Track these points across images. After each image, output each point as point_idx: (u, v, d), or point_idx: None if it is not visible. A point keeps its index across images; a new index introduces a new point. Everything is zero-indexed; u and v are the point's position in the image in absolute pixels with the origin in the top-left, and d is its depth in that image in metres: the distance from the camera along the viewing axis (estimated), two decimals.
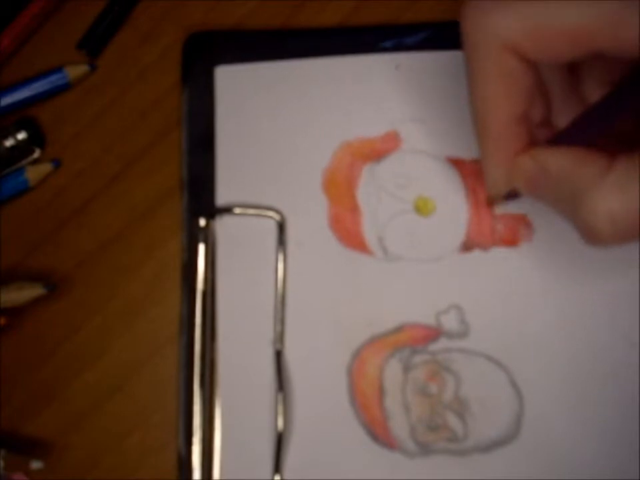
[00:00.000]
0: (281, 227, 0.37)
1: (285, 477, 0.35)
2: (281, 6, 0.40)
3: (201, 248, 0.37)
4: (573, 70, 0.33)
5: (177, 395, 0.37)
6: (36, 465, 0.36)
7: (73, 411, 0.37)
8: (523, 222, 0.37)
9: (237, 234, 0.38)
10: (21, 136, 0.39)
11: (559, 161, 0.31)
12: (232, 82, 0.39)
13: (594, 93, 0.33)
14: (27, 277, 0.38)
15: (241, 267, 0.37)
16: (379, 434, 0.35)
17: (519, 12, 0.29)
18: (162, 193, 0.39)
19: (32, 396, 0.37)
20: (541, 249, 0.37)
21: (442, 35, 0.39)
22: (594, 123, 0.30)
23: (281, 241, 0.37)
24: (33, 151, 0.39)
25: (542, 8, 0.29)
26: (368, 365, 0.36)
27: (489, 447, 0.35)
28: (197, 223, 0.37)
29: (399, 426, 0.35)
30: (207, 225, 0.37)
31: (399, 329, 0.36)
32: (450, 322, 0.36)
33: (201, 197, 0.38)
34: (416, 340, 0.36)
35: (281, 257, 0.37)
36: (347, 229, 0.37)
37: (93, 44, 0.40)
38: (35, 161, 0.39)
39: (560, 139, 0.31)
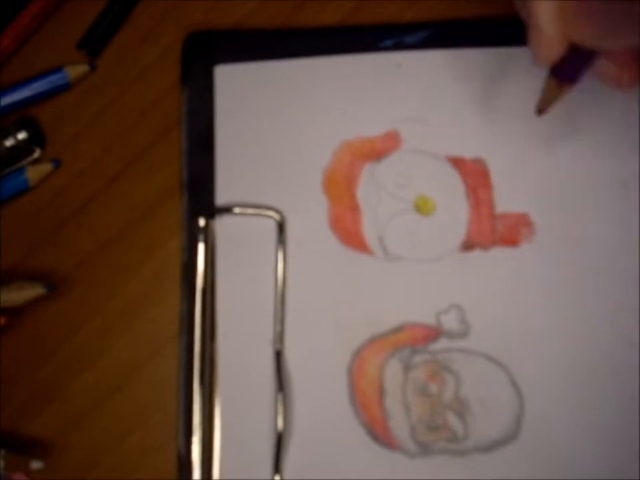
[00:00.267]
0: (281, 227, 0.37)
1: (284, 477, 0.35)
2: (281, 6, 0.40)
3: (201, 248, 0.37)
4: None
5: (176, 394, 0.37)
6: (36, 464, 0.36)
7: (72, 410, 0.37)
8: (523, 222, 0.37)
9: (236, 234, 0.38)
10: (21, 136, 0.39)
11: None
12: (232, 81, 0.39)
13: None
14: (27, 277, 0.38)
15: (241, 266, 0.37)
16: (379, 434, 0.35)
17: None
18: (162, 193, 0.39)
19: (32, 396, 0.37)
20: (542, 248, 0.37)
21: (442, 34, 0.39)
22: None
23: (281, 240, 0.37)
24: (33, 151, 0.39)
25: None
26: (368, 365, 0.36)
27: (489, 447, 0.35)
28: (197, 222, 0.37)
29: (399, 426, 0.35)
30: (207, 224, 0.37)
31: (399, 329, 0.36)
32: (450, 322, 0.36)
33: (200, 197, 0.38)
34: (416, 340, 0.36)
35: (280, 257, 0.37)
36: (347, 229, 0.37)
37: (93, 44, 0.40)
38: (35, 161, 0.39)
39: None
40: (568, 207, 0.37)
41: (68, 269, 0.39)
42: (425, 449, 0.35)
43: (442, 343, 0.36)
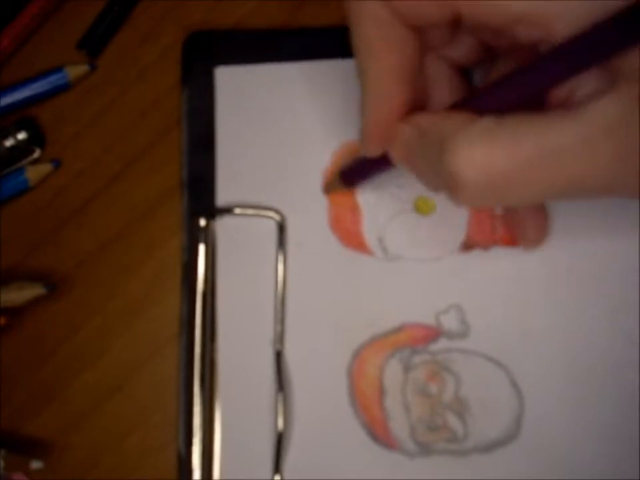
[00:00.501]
0: (281, 227, 0.37)
1: (284, 477, 0.35)
2: (281, 6, 0.40)
3: (201, 248, 0.37)
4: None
5: (177, 395, 0.37)
6: (36, 464, 0.36)
7: (72, 410, 0.37)
8: None
9: (237, 234, 0.38)
10: (21, 136, 0.39)
11: (428, 116, 0.30)
12: (232, 82, 0.39)
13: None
14: (27, 277, 0.38)
15: (241, 267, 0.37)
16: (379, 434, 0.35)
17: None
18: (162, 193, 0.39)
19: (32, 396, 0.37)
20: (542, 248, 0.37)
21: None
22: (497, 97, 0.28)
23: (281, 241, 0.37)
24: (33, 151, 0.39)
25: None
26: (368, 365, 0.36)
27: (489, 447, 0.35)
28: (197, 223, 0.37)
29: (399, 426, 0.35)
30: (207, 225, 0.37)
31: (399, 329, 0.36)
32: (450, 322, 0.36)
33: (200, 197, 0.38)
34: (416, 340, 0.36)
35: (280, 257, 0.37)
36: (347, 229, 0.37)
37: (93, 44, 0.40)
38: (35, 161, 0.39)
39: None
40: (568, 207, 0.37)
41: (68, 269, 0.39)
42: (425, 449, 0.35)
43: (442, 343, 0.36)
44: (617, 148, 0.26)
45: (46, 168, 0.39)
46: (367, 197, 0.38)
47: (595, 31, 0.25)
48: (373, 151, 0.33)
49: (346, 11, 0.30)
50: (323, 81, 0.39)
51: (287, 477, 0.35)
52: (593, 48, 0.25)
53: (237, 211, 0.37)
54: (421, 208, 0.38)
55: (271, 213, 0.37)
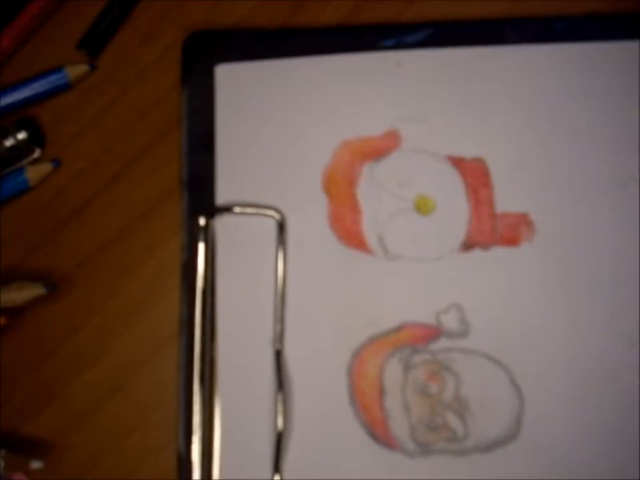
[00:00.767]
0: (281, 226, 0.37)
1: (284, 477, 0.35)
2: (281, 6, 0.40)
3: (201, 247, 0.37)
4: None
5: (177, 395, 0.37)
6: (36, 464, 0.36)
7: (72, 410, 0.37)
8: (523, 221, 0.37)
9: (236, 233, 0.37)
10: (21, 136, 0.39)
11: None
12: (232, 80, 0.39)
13: None
14: (27, 277, 0.38)
15: (241, 266, 0.37)
16: (379, 434, 0.35)
17: None
18: (162, 193, 0.39)
19: (32, 396, 0.37)
20: (542, 248, 0.37)
21: (442, 33, 0.39)
22: None
23: (281, 240, 0.37)
24: (33, 151, 0.39)
25: None
26: (368, 365, 0.36)
27: (489, 447, 0.35)
28: (197, 222, 0.37)
29: (399, 426, 0.35)
30: (207, 224, 0.37)
31: (399, 329, 0.36)
32: (450, 321, 0.36)
33: (200, 197, 0.38)
34: (416, 339, 0.36)
35: (280, 256, 0.37)
36: (347, 228, 0.37)
37: (93, 44, 0.40)
38: (35, 161, 0.40)
39: None
40: (568, 207, 0.37)
41: (68, 269, 0.39)
42: (425, 449, 0.35)
43: (442, 343, 0.36)
44: None
45: (46, 168, 0.39)
46: (367, 196, 0.38)
47: None
48: None
49: None
50: (324, 79, 0.39)
51: (287, 476, 0.35)
52: None
53: (237, 209, 0.37)
54: (421, 207, 0.38)
55: (271, 212, 0.37)
